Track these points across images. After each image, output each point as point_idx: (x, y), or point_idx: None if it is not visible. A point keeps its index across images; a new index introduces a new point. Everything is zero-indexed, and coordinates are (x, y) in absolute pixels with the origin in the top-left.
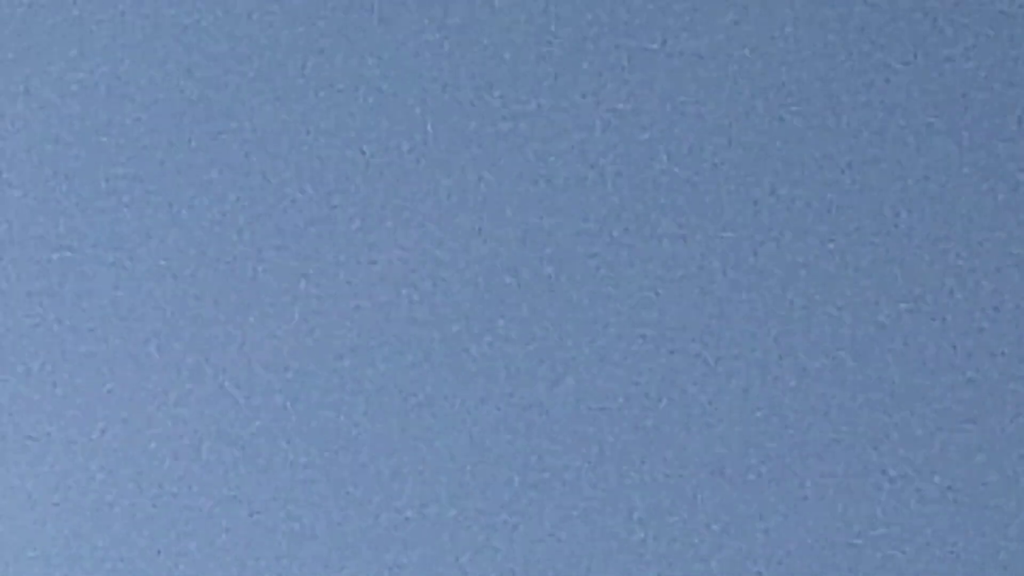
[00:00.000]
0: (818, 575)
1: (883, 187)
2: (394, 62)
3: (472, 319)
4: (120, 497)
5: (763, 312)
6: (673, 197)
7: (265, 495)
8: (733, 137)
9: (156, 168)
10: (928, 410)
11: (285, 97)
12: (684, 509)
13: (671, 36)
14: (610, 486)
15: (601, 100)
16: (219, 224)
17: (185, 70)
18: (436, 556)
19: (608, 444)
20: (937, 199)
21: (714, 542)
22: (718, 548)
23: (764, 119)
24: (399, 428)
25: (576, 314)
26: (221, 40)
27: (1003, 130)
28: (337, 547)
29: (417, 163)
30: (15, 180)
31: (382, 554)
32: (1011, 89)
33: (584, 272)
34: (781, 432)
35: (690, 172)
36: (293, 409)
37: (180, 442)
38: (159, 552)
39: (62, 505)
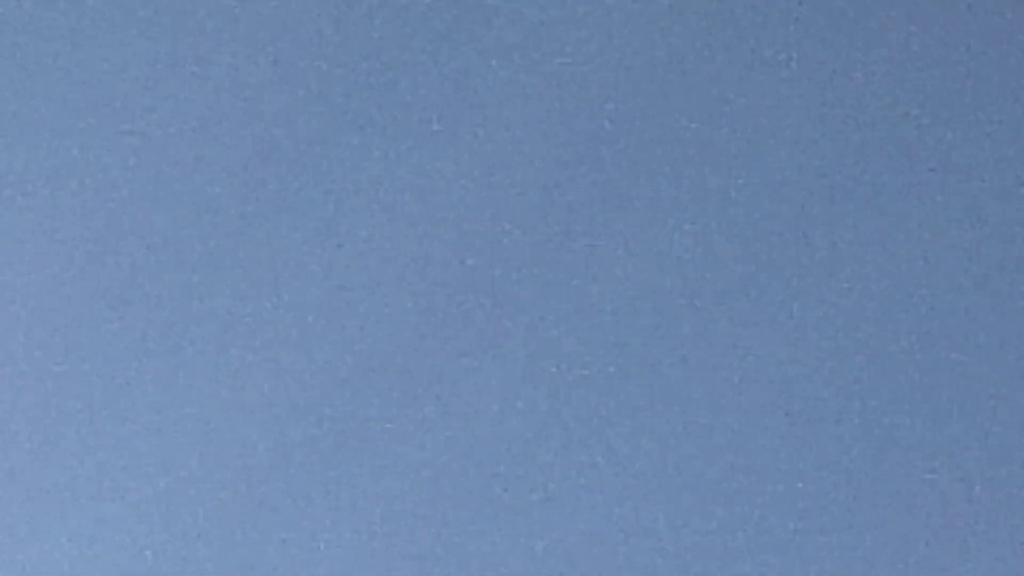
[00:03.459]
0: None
1: (883, 187)
2: (391, 60)
3: (471, 320)
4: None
5: (762, 313)
6: (672, 195)
7: (265, 496)
8: (733, 136)
9: (151, 168)
10: (930, 410)
11: (283, 98)
12: (683, 509)
13: (671, 35)
14: (609, 487)
15: (600, 100)
16: (216, 223)
17: (186, 68)
18: (436, 557)
19: (607, 445)
20: (937, 199)
21: (713, 543)
22: (717, 548)
23: (762, 118)
24: (399, 429)
25: (575, 312)
26: (220, 37)
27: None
28: (338, 549)
29: (415, 161)
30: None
31: (385, 555)
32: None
33: (583, 270)
34: (781, 432)
35: (689, 170)
36: (295, 412)
37: (182, 445)
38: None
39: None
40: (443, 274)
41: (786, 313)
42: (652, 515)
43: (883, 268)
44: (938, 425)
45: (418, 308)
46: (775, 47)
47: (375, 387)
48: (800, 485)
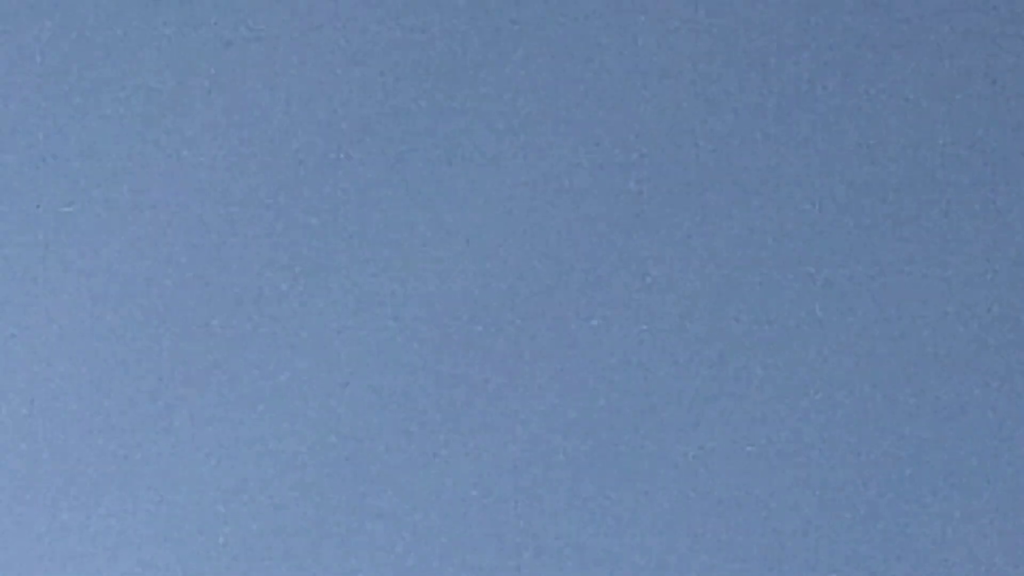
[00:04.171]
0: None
1: (885, 187)
2: (395, 64)
3: (473, 323)
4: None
5: (763, 314)
6: (674, 199)
7: (264, 495)
8: (732, 137)
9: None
10: (929, 410)
11: (286, 104)
12: (681, 510)
13: (671, 36)
14: (610, 488)
15: (599, 104)
16: (223, 229)
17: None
18: (434, 557)
19: (607, 446)
20: (939, 200)
21: (712, 542)
22: (715, 548)
23: (761, 119)
24: (403, 431)
25: (576, 315)
26: (223, 37)
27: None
28: (338, 549)
29: (417, 165)
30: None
31: (384, 555)
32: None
33: (584, 274)
34: (780, 432)
35: (690, 172)
36: (293, 411)
37: (182, 445)
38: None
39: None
40: (457, 300)
41: (793, 319)
42: (666, 530)
43: (888, 275)
44: (939, 430)
45: (434, 332)
46: (784, 54)
47: (393, 412)
48: (804, 491)
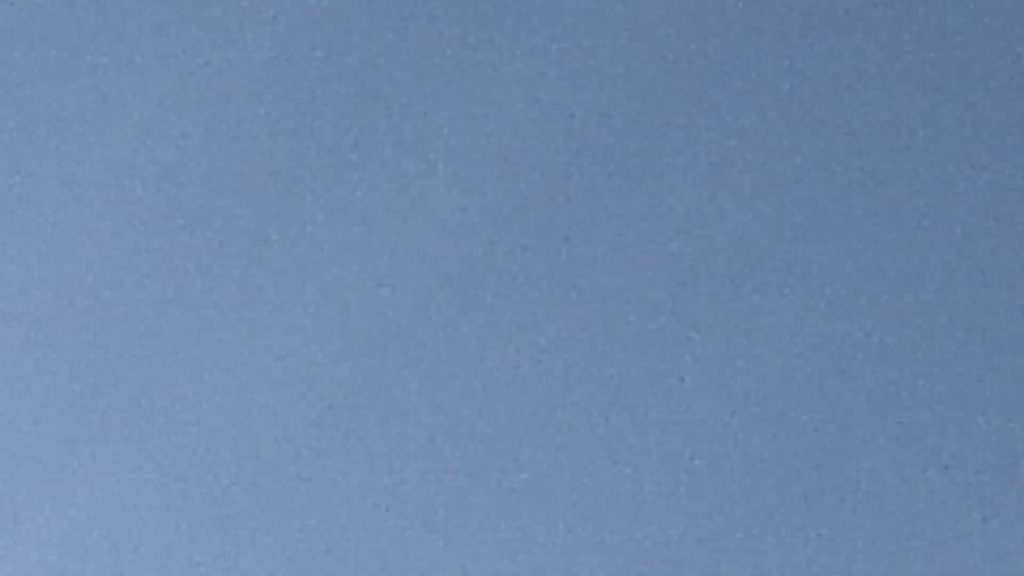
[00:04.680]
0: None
1: (883, 186)
2: (388, 59)
3: (468, 318)
4: (125, 499)
5: (758, 312)
6: (668, 195)
7: (258, 493)
8: (729, 132)
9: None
10: (928, 408)
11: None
12: (678, 508)
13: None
14: (603, 485)
15: (585, 98)
16: (205, 221)
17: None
18: (428, 555)
19: (601, 445)
20: (938, 198)
21: (708, 542)
22: (712, 548)
23: (760, 116)
24: (392, 423)
25: (571, 310)
26: (223, 34)
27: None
28: (331, 547)
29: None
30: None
31: (377, 553)
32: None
33: (578, 268)
34: (772, 428)
35: (684, 170)
36: (285, 405)
37: (175, 442)
38: (161, 554)
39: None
40: (441, 272)
41: (780, 314)
42: (647, 514)
43: (880, 268)
44: (936, 427)
45: (417, 304)
46: (771, 46)
47: (373, 386)
48: (798, 486)
